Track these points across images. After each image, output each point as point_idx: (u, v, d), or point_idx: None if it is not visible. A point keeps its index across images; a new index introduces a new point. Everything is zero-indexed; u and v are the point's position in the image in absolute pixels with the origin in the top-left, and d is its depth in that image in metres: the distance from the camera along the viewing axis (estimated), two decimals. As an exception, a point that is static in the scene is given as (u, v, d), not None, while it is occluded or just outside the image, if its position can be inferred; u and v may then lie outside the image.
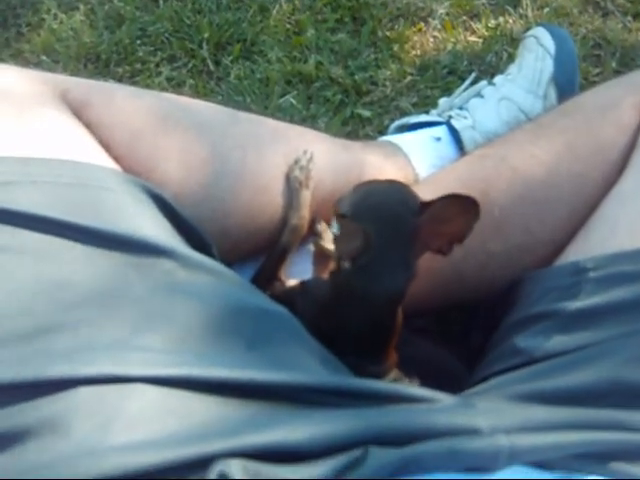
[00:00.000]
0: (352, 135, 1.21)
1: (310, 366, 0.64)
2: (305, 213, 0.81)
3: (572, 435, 0.57)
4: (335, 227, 0.68)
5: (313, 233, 0.84)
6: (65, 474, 0.49)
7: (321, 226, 0.83)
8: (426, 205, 0.66)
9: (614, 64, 1.28)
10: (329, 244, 0.82)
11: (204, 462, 0.51)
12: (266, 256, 0.82)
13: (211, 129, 0.79)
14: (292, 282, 0.80)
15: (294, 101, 1.25)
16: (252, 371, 0.57)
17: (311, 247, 0.85)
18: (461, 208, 0.64)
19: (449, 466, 0.54)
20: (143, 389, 0.53)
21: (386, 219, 0.66)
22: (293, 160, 0.81)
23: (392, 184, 0.71)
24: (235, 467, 0.51)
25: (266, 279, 0.81)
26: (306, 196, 0.80)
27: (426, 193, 0.85)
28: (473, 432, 0.57)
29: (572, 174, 0.80)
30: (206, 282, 0.63)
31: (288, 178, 0.81)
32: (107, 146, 0.72)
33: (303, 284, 0.78)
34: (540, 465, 0.56)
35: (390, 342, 0.71)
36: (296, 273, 0.83)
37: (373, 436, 0.56)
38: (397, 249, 0.66)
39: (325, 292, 0.71)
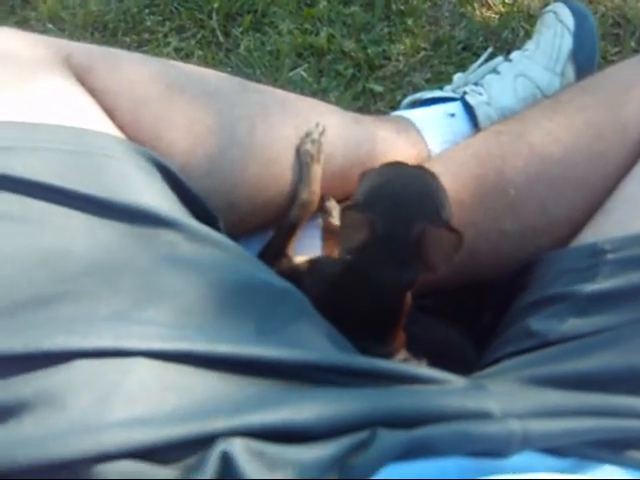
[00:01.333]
0: (363, 110, 1.18)
1: (317, 344, 0.62)
2: (316, 188, 0.79)
3: (586, 421, 0.55)
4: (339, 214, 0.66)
5: (322, 210, 0.82)
6: (61, 450, 0.47)
7: (330, 203, 0.82)
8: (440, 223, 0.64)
9: (633, 43, 1.25)
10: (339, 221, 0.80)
11: (206, 440, 0.50)
12: (274, 231, 0.80)
13: (219, 98, 0.77)
14: (300, 259, 0.78)
15: (305, 74, 1.23)
16: (257, 348, 0.56)
17: (320, 223, 0.83)
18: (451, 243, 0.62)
19: (459, 450, 0.53)
20: (143, 363, 0.52)
21: (396, 214, 0.63)
22: (304, 133, 0.79)
23: (420, 175, 0.68)
24: (238, 446, 0.49)
25: (273, 255, 0.79)
26: (317, 170, 0.78)
27: (439, 169, 0.82)
28: (484, 416, 0.55)
29: (592, 153, 0.77)
30: (211, 255, 0.62)
31: (299, 151, 0.78)
32: (111, 113, 0.70)
33: (311, 262, 0.76)
34: (553, 451, 0.54)
35: (397, 324, 0.70)
36: (304, 249, 0.81)
37: (381, 417, 0.54)
38: (403, 245, 0.64)
39: (334, 271, 0.70)
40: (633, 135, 0.77)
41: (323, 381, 0.57)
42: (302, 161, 0.78)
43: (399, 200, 0.64)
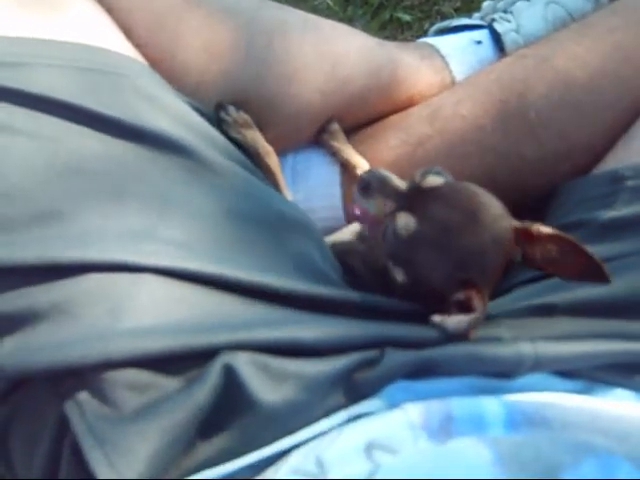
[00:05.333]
0: (390, 40, 1.15)
1: (329, 277, 0.63)
2: (263, 144, 0.75)
3: (598, 345, 0.55)
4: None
5: (325, 131, 0.81)
6: (74, 356, 0.49)
7: (333, 126, 0.81)
8: (521, 232, 0.59)
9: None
10: (342, 145, 0.81)
11: (210, 353, 0.51)
12: None
13: (237, 13, 0.75)
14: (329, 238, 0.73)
15: (330, 2, 1.20)
16: (268, 276, 0.56)
17: (337, 169, 0.82)
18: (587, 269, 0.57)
19: (469, 371, 0.53)
20: (154, 279, 0.53)
21: (497, 268, 0.59)
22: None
23: (475, 217, 0.58)
24: (242, 359, 0.51)
25: None
26: (253, 135, 0.75)
27: (462, 95, 0.81)
28: (495, 340, 0.55)
29: (618, 77, 0.75)
30: (225, 183, 0.62)
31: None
32: (128, 32, 0.69)
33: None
34: (564, 374, 0.55)
35: None
36: (323, 198, 0.82)
37: (390, 339, 0.55)
38: None
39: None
40: None
41: (334, 312, 0.57)
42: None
43: (489, 254, 0.58)
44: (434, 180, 0.60)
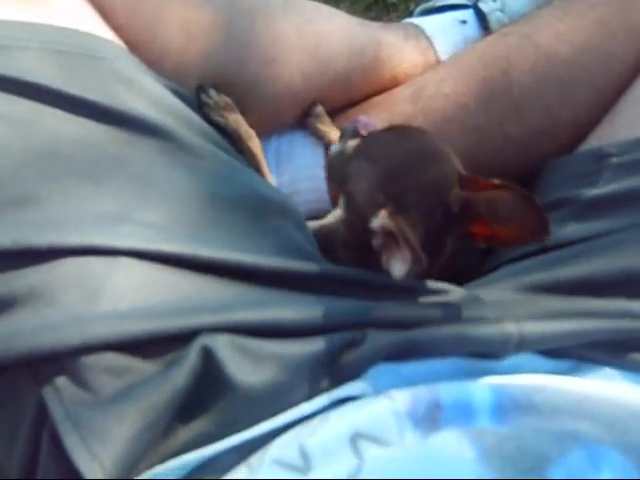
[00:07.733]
0: (376, 21, 1.14)
1: (311, 255, 0.62)
2: (245, 128, 0.75)
3: (584, 323, 0.55)
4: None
5: (310, 115, 0.80)
6: (51, 341, 0.49)
7: (318, 108, 0.80)
8: (468, 180, 0.58)
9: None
10: (328, 127, 0.80)
11: (189, 336, 0.51)
12: None
13: None
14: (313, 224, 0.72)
15: (315, -16, 1.19)
16: (248, 255, 0.56)
17: (321, 151, 0.81)
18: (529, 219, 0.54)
19: (454, 352, 0.53)
20: (130, 262, 0.53)
21: (431, 205, 0.56)
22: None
23: (420, 146, 0.59)
24: (221, 341, 0.50)
25: None
26: (235, 118, 0.75)
27: (444, 74, 0.81)
28: (479, 320, 0.55)
29: (600, 52, 0.74)
30: (206, 165, 0.61)
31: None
32: (106, 15, 0.68)
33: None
34: (550, 354, 0.54)
35: None
36: (307, 180, 0.82)
37: (372, 321, 0.54)
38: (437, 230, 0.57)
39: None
40: None
41: (317, 291, 0.57)
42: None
43: (426, 185, 0.57)
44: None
